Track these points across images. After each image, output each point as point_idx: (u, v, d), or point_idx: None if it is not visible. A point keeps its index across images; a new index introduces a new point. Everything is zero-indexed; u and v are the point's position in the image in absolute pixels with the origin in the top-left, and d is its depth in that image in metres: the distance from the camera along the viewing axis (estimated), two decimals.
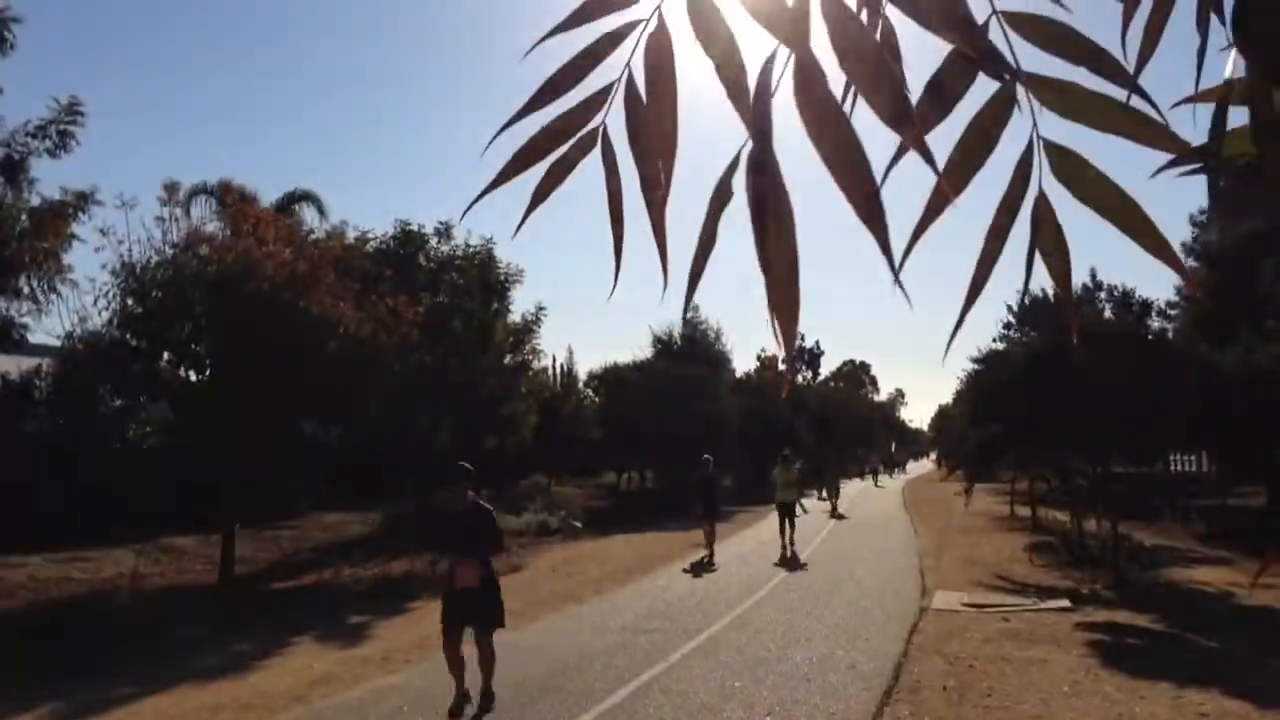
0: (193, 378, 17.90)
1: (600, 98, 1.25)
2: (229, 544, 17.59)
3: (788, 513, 23.39)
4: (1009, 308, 29.02)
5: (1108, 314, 28.04)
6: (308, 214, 31.06)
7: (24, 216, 16.02)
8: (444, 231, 25.96)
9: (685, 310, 1.18)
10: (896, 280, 1.04)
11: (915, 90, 1.17)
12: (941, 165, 1.18)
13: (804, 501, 32.29)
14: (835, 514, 35.79)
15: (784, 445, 30.54)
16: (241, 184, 22.08)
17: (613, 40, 1.22)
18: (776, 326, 1.06)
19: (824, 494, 41.64)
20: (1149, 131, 1.12)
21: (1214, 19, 1.10)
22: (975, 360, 24.55)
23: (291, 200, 31.73)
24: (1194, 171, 1.11)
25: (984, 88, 1.16)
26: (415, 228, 25.87)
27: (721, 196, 1.07)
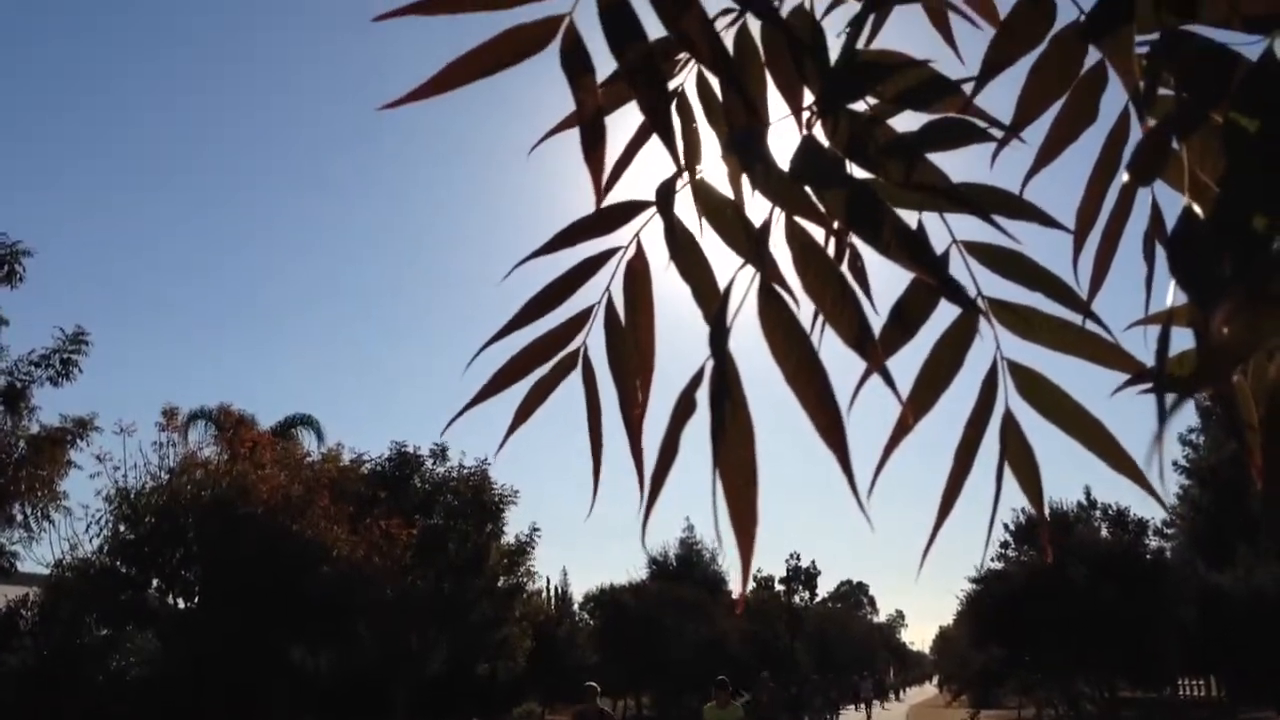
0: (181, 605, 17.61)
1: (581, 319, 1.29)
2: None
3: None
4: (1005, 526, 28.84)
5: (1104, 533, 27.87)
6: (305, 437, 31.24)
7: (22, 444, 16.10)
8: (439, 453, 26.03)
9: (645, 520, 1.18)
10: (860, 504, 1.06)
11: (882, 310, 1.22)
12: (910, 384, 1.22)
13: None
14: None
15: (775, 668, 23.97)
16: (241, 409, 22.35)
17: (593, 264, 1.28)
18: (735, 541, 1.07)
19: None
20: (1105, 353, 1.17)
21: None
22: (974, 580, 24.23)
23: (290, 424, 31.95)
24: (1147, 391, 1.14)
25: (949, 307, 1.21)
26: (411, 450, 25.97)
27: (684, 409, 1.10)
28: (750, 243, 1.12)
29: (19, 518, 16.46)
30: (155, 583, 17.19)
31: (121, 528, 16.80)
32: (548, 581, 44.92)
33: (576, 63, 1.18)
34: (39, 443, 16.11)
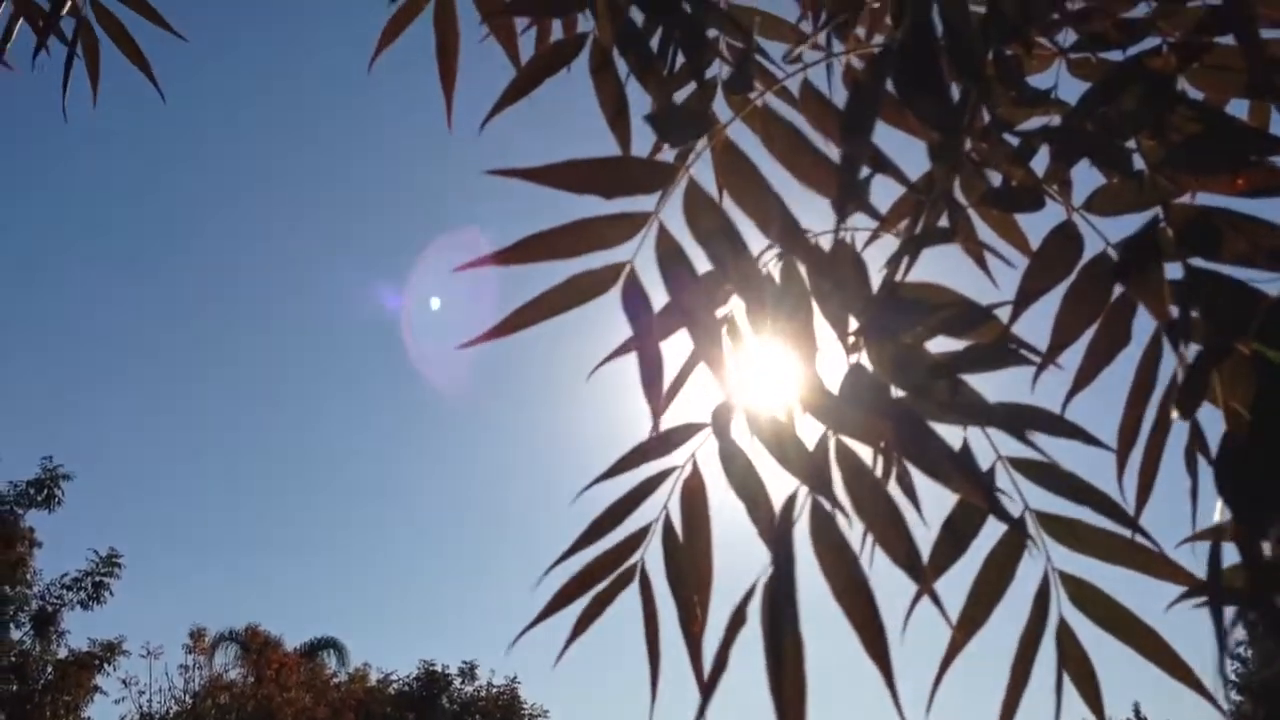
0: None
1: (639, 536, 1.34)
2: None
3: None
4: None
5: None
6: (331, 659, 30.82)
7: (49, 669, 15.95)
8: (468, 672, 25.53)
9: None
10: None
11: (931, 520, 1.26)
12: (961, 596, 1.26)
13: None
14: None
15: None
16: (268, 630, 22.15)
17: (651, 484, 1.33)
18: None
19: None
20: (1156, 565, 1.20)
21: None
22: None
23: (316, 646, 31.57)
24: (1204, 604, 1.17)
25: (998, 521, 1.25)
26: (439, 668, 25.49)
27: (736, 624, 1.14)
28: (803, 464, 1.17)
29: None
30: None
31: None
32: None
33: (637, 305, 1.27)
34: (66, 668, 15.95)
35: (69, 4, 1.68)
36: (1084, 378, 1.24)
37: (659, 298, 1.30)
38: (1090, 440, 1.23)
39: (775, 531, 1.14)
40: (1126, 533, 1.22)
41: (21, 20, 1.77)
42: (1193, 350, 1.14)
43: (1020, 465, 1.26)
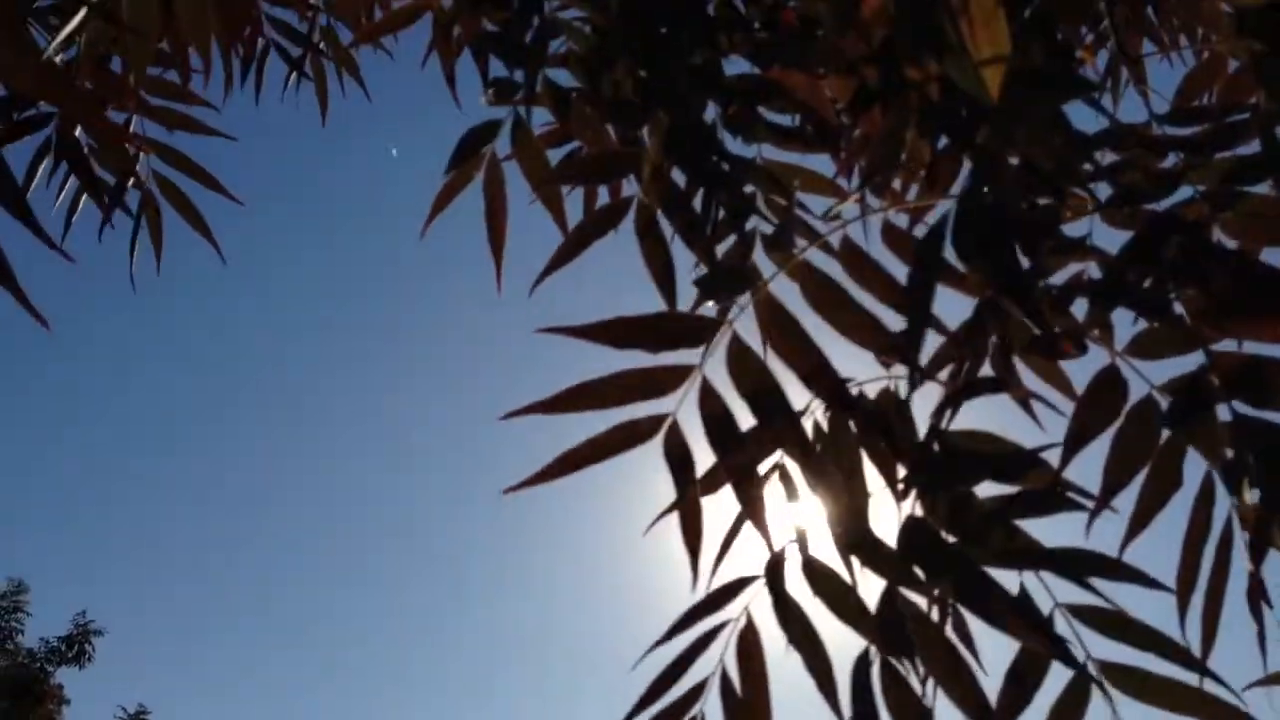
0: None
1: (697, 691, 1.34)
2: None
3: None
4: None
5: None
6: None
7: None
8: None
9: None
10: None
11: (990, 670, 1.25)
12: None
13: None
14: None
15: None
16: None
17: (707, 639, 1.33)
18: None
19: None
20: (1226, 715, 1.17)
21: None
22: None
23: None
24: None
25: (1058, 671, 1.23)
26: None
27: None
28: (872, 625, 1.18)
29: None
30: None
31: None
32: None
33: (679, 458, 1.29)
34: None
35: (133, 178, 1.76)
36: (1139, 522, 1.24)
37: (702, 449, 1.32)
38: (1150, 584, 1.22)
39: (856, 698, 1.14)
40: (1194, 680, 1.20)
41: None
42: (1251, 494, 1.14)
43: (1080, 612, 1.25)
